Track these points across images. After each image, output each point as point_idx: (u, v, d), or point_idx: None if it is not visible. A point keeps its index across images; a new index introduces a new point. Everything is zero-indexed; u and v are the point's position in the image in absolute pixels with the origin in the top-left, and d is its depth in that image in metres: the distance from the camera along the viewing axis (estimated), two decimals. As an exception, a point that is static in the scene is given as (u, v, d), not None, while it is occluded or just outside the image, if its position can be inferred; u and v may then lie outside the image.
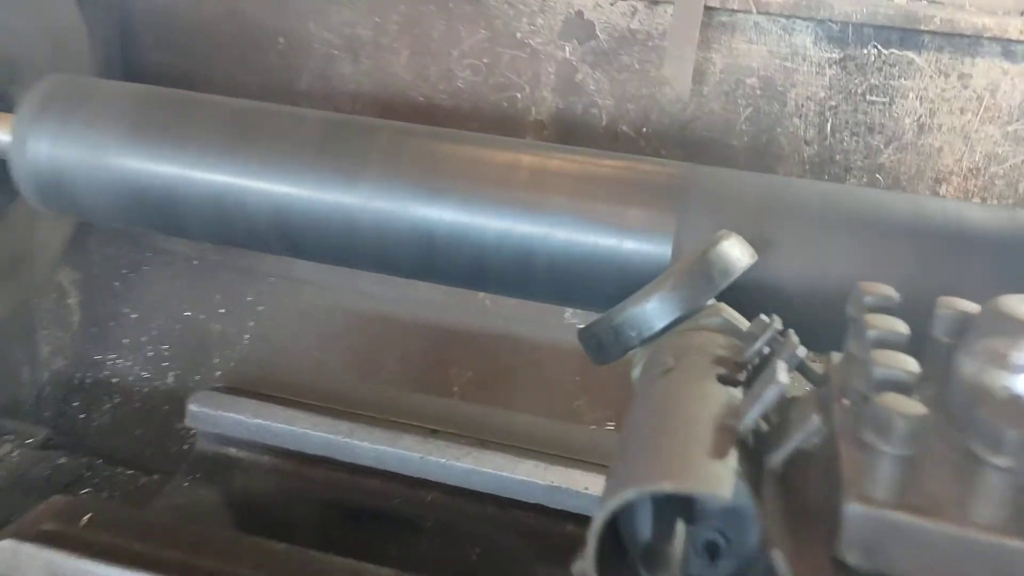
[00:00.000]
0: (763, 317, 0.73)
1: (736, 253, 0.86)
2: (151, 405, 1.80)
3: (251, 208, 1.13)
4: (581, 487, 1.35)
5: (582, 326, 0.90)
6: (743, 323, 0.82)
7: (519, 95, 1.63)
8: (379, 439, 1.40)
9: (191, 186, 1.16)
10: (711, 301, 0.84)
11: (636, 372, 0.84)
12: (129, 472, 1.68)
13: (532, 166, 1.10)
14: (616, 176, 1.09)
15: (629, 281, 1.04)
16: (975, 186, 1.64)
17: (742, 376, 0.67)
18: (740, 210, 1.02)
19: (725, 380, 0.66)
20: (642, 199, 1.06)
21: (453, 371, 1.83)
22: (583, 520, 1.40)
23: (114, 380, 1.82)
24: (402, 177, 1.11)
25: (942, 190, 1.64)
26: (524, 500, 1.37)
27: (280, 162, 1.14)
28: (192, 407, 1.46)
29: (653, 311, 0.83)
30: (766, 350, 0.70)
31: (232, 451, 1.48)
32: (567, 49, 1.58)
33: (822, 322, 0.87)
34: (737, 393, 0.65)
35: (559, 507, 1.36)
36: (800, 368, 0.69)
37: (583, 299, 1.12)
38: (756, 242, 0.96)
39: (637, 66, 1.56)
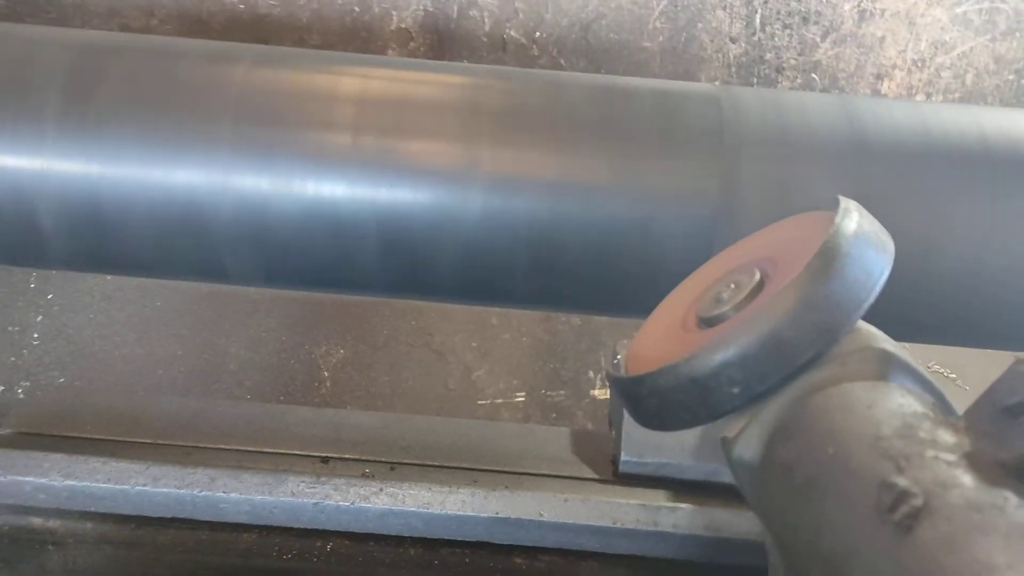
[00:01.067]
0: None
1: (876, 230, 0.53)
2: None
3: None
4: (535, 513, 1.01)
5: (623, 373, 0.55)
6: (903, 353, 0.50)
7: (373, -4, 1.22)
8: (252, 486, 1.01)
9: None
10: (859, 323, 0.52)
11: (742, 452, 0.50)
12: None
13: (460, 102, 0.72)
14: (582, 109, 0.73)
15: (638, 274, 0.70)
16: (920, 80, 1.41)
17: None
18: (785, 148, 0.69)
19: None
20: (643, 146, 0.70)
21: (320, 351, 1.45)
22: (537, 554, 1.09)
23: None
24: (217, 130, 0.69)
25: (884, 87, 1.40)
26: (461, 539, 1.02)
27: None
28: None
29: (768, 348, 0.48)
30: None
31: (37, 522, 1.04)
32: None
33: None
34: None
35: (507, 542, 1.02)
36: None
37: (561, 299, 0.76)
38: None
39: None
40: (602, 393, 1.36)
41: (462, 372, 1.47)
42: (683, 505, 1.04)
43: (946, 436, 0.43)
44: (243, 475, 1.03)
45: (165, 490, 1.02)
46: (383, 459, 1.12)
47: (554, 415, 1.39)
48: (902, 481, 0.38)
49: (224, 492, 1.01)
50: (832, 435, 0.44)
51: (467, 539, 1.05)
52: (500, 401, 1.42)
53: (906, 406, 0.45)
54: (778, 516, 0.46)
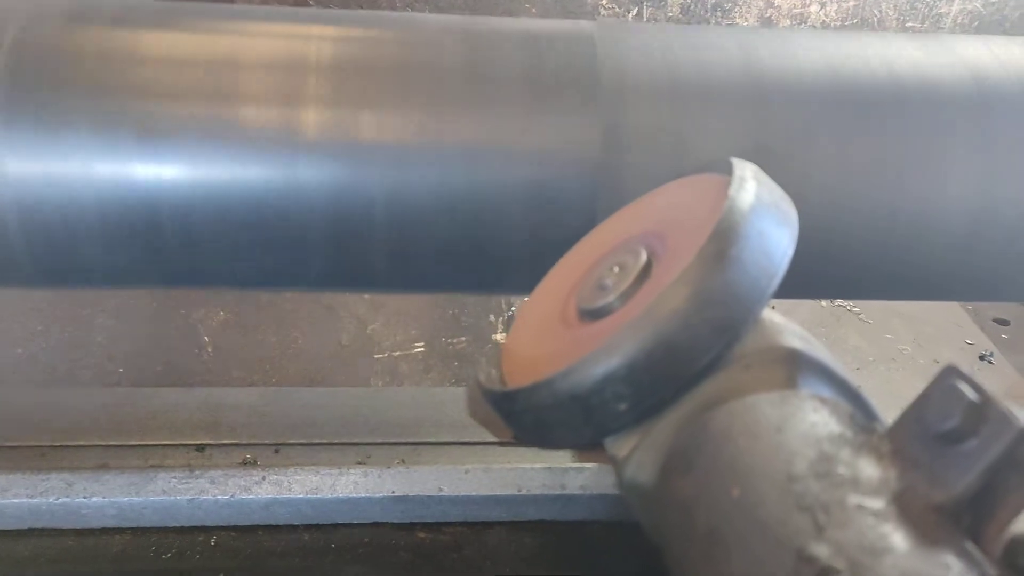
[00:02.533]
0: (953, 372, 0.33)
1: (777, 199, 0.44)
2: None
3: None
4: (434, 489, 0.94)
5: (493, 387, 0.46)
6: (812, 348, 0.42)
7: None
8: (116, 488, 0.91)
9: None
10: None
11: (634, 475, 0.42)
12: None
13: (286, 56, 0.59)
14: (438, 57, 0.62)
15: (516, 247, 0.60)
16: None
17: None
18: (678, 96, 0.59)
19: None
20: (510, 95, 0.59)
21: (199, 315, 1.34)
22: (441, 528, 1.02)
23: None
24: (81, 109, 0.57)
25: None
26: (356, 522, 0.95)
27: None
28: None
29: (658, 356, 0.40)
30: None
31: None
32: None
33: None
34: None
35: (407, 520, 0.95)
36: None
37: (431, 280, 0.65)
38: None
39: None
40: (504, 337, 1.28)
41: (356, 326, 1.36)
42: (589, 465, 0.98)
43: (869, 469, 0.35)
44: (105, 476, 0.93)
45: (16, 501, 0.90)
46: (266, 441, 1.02)
47: (456, 363, 1.31)
48: (823, 551, 0.30)
49: (85, 497, 0.91)
50: (736, 470, 0.36)
51: (363, 522, 0.97)
52: (398, 354, 1.33)
53: (820, 425, 0.37)
54: (677, 560, 0.38)
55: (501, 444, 1.03)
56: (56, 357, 1.29)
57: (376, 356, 1.37)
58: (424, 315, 1.37)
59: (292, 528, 0.99)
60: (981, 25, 1.40)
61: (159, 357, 1.32)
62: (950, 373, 0.35)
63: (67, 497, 0.91)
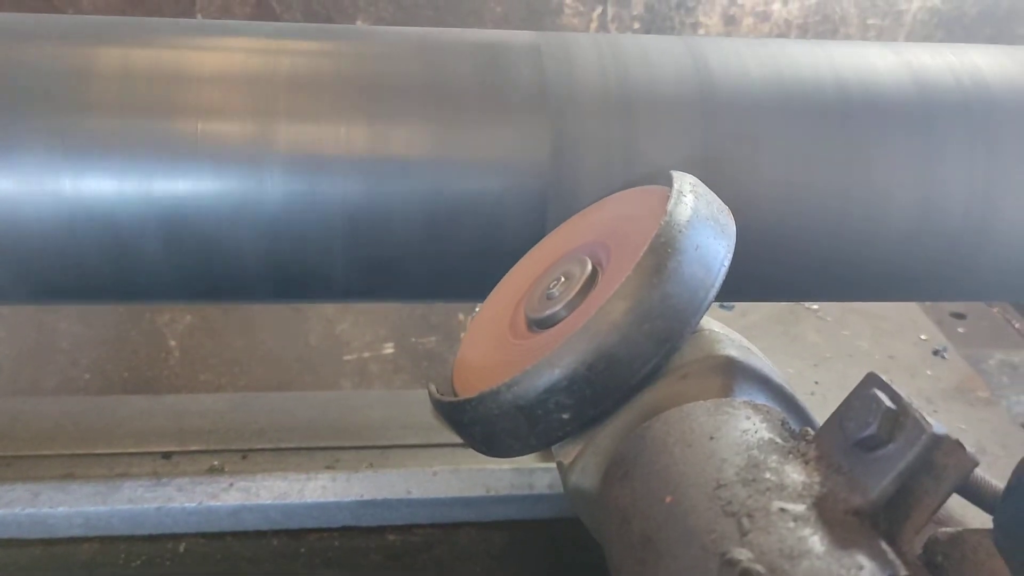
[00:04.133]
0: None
1: (715, 212, 0.46)
2: None
3: None
4: (402, 492, 0.96)
5: (443, 396, 0.48)
6: (749, 356, 0.44)
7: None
8: (82, 497, 0.92)
9: None
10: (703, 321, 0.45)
11: (578, 481, 0.44)
12: None
13: (248, 69, 0.61)
14: (394, 69, 0.63)
15: (471, 256, 0.62)
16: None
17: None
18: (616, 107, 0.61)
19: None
20: (456, 110, 0.61)
21: (164, 319, 1.34)
22: (411, 529, 1.04)
23: None
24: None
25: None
26: (324, 526, 0.97)
27: None
28: None
29: (599, 368, 0.42)
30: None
31: None
32: None
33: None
34: None
35: (376, 524, 0.97)
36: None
37: (389, 289, 0.67)
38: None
39: None
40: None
41: (324, 327, 1.38)
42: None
43: (794, 474, 0.37)
44: (71, 486, 0.94)
45: (-20, 512, 0.91)
46: (234, 447, 1.03)
47: (426, 363, 1.33)
48: (743, 555, 0.32)
49: (50, 507, 0.92)
50: (669, 478, 0.38)
51: (332, 526, 0.99)
52: (368, 355, 1.35)
53: (751, 432, 0.40)
54: (616, 565, 0.40)
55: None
56: (20, 364, 1.29)
57: (345, 357, 1.39)
58: (392, 315, 1.39)
59: (262, 534, 1.01)
60: (940, 22, 1.43)
61: (125, 362, 1.33)
62: (870, 381, 0.38)
63: (33, 507, 0.92)
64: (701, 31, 1.47)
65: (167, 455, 1.02)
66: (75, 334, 1.33)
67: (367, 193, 0.62)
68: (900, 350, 1.23)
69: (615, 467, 0.44)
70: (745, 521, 0.35)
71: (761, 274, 0.68)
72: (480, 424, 0.48)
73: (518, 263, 0.62)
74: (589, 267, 0.53)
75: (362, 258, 0.64)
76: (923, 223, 0.69)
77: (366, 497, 0.98)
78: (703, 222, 0.49)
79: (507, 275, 0.62)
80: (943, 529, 0.37)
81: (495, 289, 0.62)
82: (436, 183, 0.62)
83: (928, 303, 1.33)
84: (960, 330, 1.38)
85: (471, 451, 1.10)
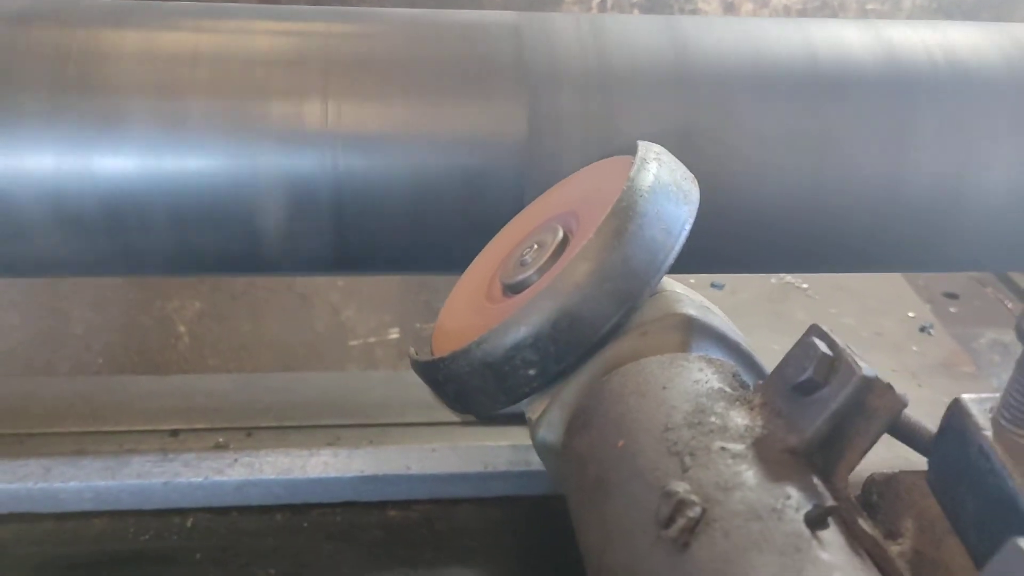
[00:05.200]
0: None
1: (678, 179, 0.49)
2: None
3: None
4: (402, 467, 0.99)
5: (420, 356, 0.51)
6: (708, 314, 0.47)
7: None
8: (92, 472, 0.95)
9: None
10: (664, 279, 0.48)
11: (545, 435, 0.47)
12: None
13: (234, 49, 0.64)
14: (379, 48, 0.66)
15: (456, 228, 0.65)
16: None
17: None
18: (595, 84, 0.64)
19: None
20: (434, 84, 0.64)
21: (173, 305, 1.38)
22: (411, 505, 1.07)
23: None
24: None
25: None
26: (326, 502, 1.00)
27: None
28: None
29: (562, 326, 0.45)
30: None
31: None
32: None
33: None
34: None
35: (375, 499, 1.00)
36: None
37: (376, 261, 0.70)
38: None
39: None
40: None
41: (329, 314, 1.41)
42: (553, 442, 1.02)
43: (738, 418, 0.40)
44: (82, 461, 0.98)
45: (-6, 486, 0.95)
46: (238, 425, 1.07)
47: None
48: (681, 487, 0.35)
49: (62, 482, 0.96)
50: (623, 424, 0.41)
51: (334, 501, 1.02)
52: (373, 340, 1.38)
53: (703, 382, 0.43)
54: (573, 509, 0.43)
55: (467, 423, 1.08)
56: (34, 350, 1.33)
57: (351, 343, 1.42)
58: (396, 301, 1.42)
59: (266, 509, 1.04)
60: (940, 7, 1.44)
61: (136, 347, 1.37)
62: (811, 331, 0.40)
63: (45, 482, 0.96)
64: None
65: (174, 433, 1.06)
66: (87, 320, 1.37)
67: (351, 169, 0.65)
68: (887, 327, 1.25)
69: (576, 419, 0.47)
70: (687, 459, 0.38)
71: (735, 246, 0.71)
72: (453, 382, 0.51)
73: (496, 236, 0.65)
74: (560, 234, 0.56)
75: (348, 232, 0.67)
76: (894, 196, 0.71)
77: (367, 472, 1.01)
78: (665, 188, 0.52)
79: (486, 247, 0.65)
80: (880, 470, 0.40)
81: (474, 261, 0.65)
82: (418, 159, 0.65)
83: (921, 282, 1.35)
84: (952, 309, 1.40)
85: (469, 429, 1.13)
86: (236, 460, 1.00)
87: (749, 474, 0.37)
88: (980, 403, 0.40)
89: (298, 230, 0.67)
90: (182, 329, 1.39)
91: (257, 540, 1.05)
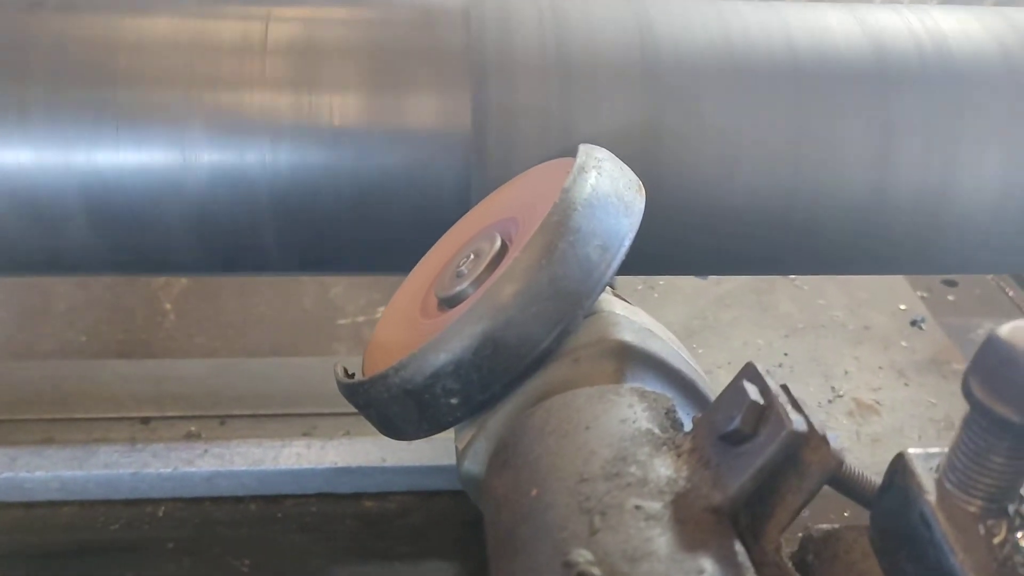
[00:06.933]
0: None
1: (620, 188, 0.45)
2: None
3: None
4: (377, 460, 0.97)
5: (349, 377, 0.48)
6: (646, 340, 0.43)
7: None
8: (59, 462, 0.94)
9: None
10: (604, 298, 0.44)
11: (469, 467, 0.44)
12: None
13: (179, 34, 0.60)
14: (327, 34, 0.62)
15: (404, 228, 0.61)
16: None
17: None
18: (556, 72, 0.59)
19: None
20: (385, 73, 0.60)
21: (159, 282, 1.36)
22: (389, 495, 1.05)
23: None
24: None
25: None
26: (298, 493, 0.98)
27: None
28: None
29: (485, 353, 0.41)
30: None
31: None
32: None
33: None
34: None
35: (349, 491, 0.98)
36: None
37: (324, 261, 0.67)
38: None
39: None
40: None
41: (318, 291, 1.38)
42: (533, 435, 0.99)
43: (662, 468, 0.36)
44: (48, 451, 0.96)
45: (-48, 476, 0.94)
46: (212, 413, 1.05)
47: (421, 328, 1.32)
48: (583, 557, 0.31)
49: (28, 471, 0.94)
50: (540, 470, 0.38)
51: (307, 492, 1.00)
52: (362, 319, 1.35)
53: (630, 421, 0.39)
54: (489, 556, 0.40)
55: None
56: (17, 326, 1.32)
57: (339, 321, 1.39)
58: (385, 279, 1.39)
59: (239, 499, 1.02)
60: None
61: (121, 325, 1.35)
62: (744, 373, 0.36)
63: (11, 471, 0.95)
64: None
65: (145, 420, 1.04)
66: (71, 296, 1.36)
67: (293, 164, 0.61)
68: (876, 320, 1.20)
69: (497, 455, 0.44)
70: (597, 519, 0.34)
71: (704, 247, 0.66)
72: (374, 407, 0.48)
73: (440, 239, 0.61)
74: (498, 243, 0.52)
75: (292, 231, 0.63)
76: (877, 195, 0.66)
77: (340, 464, 0.99)
78: (603, 200, 0.47)
79: (429, 252, 0.61)
80: (819, 526, 0.36)
81: (417, 266, 0.61)
82: (363, 153, 0.61)
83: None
84: (950, 298, 1.34)
85: (448, 419, 1.10)
86: (206, 451, 0.98)
87: (662, 541, 0.34)
88: (926, 460, 0.36)
89: (240, 230, 0.63)
90: (168, 306, 1.37)
91: (231, 530, 1.04)
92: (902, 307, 1.22)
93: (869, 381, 1.09)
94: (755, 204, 0.66)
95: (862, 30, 0.68)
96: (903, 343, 1.15)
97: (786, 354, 1.12)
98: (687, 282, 1.23)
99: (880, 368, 1.10)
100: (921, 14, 0.70)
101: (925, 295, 1.31)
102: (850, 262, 0.72)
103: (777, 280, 1.24)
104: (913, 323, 1.17)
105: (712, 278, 1.19)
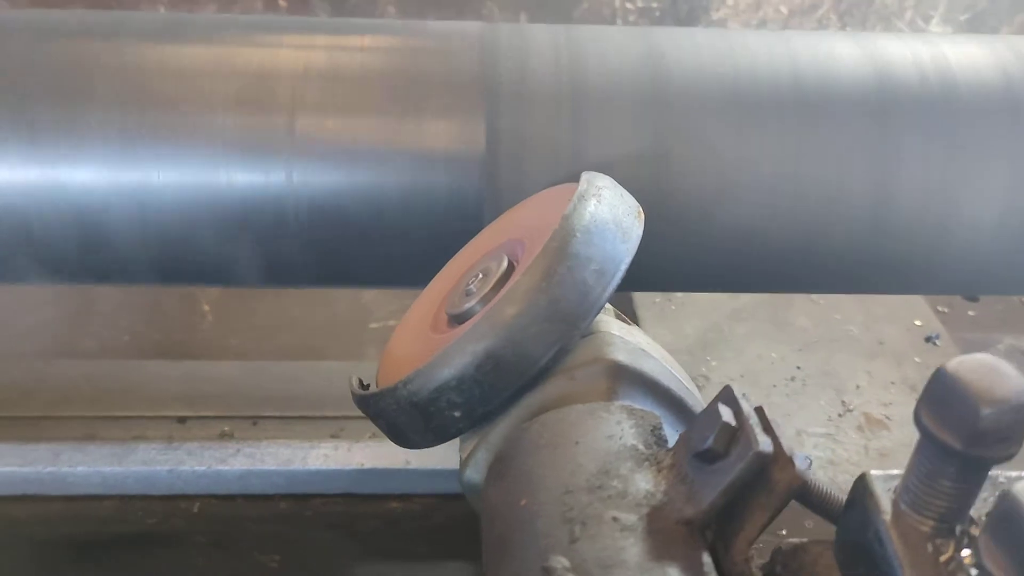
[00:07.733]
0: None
1: (619, 215, 0.48)
2: None
3: None
4: (401, 462, 1.01)
5: (363, 388, 0.51)
6: (639, 360, 0.46)
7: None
8: (100, 458, 0.99)
9: None
10: (601, 318, 0.47)
11: (471, 476, 0.47)
12: None
13: (195, 61, 0.64)
14: (352, 62, 0.66)
15: (423, 245, 0.65)
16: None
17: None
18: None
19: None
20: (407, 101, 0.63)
21: (198, 288, 1.41)
22: (414, 496, 1.09)
23: None
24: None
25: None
26: (325, 492, 1.02)
27: None
28: None
29: (486, 369, 0.45)
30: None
31: None
32: None
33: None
34: None
35: (374, 492, 1.02)
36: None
37: (348, 275, 0.71)
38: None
39: None
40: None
41: (350, 296, 1.43)
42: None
43: (642, 483, 0.39)
44: (89, 447, 1.02)
45: (7, 469, 0.99)
46: (244, 414, 1.09)
47: (449, 333, 1.35)
48: (560, 564, 0.35)
49: (70, 467, 1.00)
50: (531, 481, 0.41)
51: (334, 492, 1.04)
52: (393, 323, 1.39)
53: (616, 438, 0.42)
54: (484, 563, 0.43)
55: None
56: (63, 326, 1.38)
57: (371, 325, 1.43)
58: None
59: (270, 496, 1.07)
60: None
61: (161, 326, 1.40)
62: (721, 396, 0.39)
63: (54, 466, 1.00)
64: (725, 9, 1.44)
65: (181, 420, 1.08)
66: (114, 298, 1.41)
67: (316, 183, 0.65)
68: (891, 335, 1.21)
69: (494, 467, 0.47)
70: (577, 528, 0.38)
71: (709, 266, 0.69)
72: (383, 418, 0.51)
73: (451, 259, 0.64)
74: (505, 264, 0.55)
75: (318, 247, 0.67)
76: (879, 219, 0.68)
77: (366, 466, 1.03)
78: (602, 227, 0.50)
79: (442, 270, 0.64)
80: (789, 540, 0.39)
81: (429, 284, 0.65)
82: (384, 175, 0.65)
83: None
84: (971, 313, 1.35)
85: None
86: (239, 450, 1.02)
87: (633, 551, 0.37)
88: (885, 481, 0.38)
89: (265, 246, 0.67)
90: (206, 308, 1.42)
91: (261, 526, 1.08)
92: (918, 323, 1.23)
93: (880, 396, 1.11)
94: (758, 227, 0.69)
95: (868, 59, 0.70)
96: (916, 359, 1.17)
97: (799, 367, 1.14)
98: (703, 295, 1.25)
99: (892, 383, 1.12)
100: (928, 43, 0.72)
101: (945, 310, 1.31)
102: (853, 283, 0.74)
103: (794, 294, 1.26)
104: (928, 339, 1.18)
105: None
